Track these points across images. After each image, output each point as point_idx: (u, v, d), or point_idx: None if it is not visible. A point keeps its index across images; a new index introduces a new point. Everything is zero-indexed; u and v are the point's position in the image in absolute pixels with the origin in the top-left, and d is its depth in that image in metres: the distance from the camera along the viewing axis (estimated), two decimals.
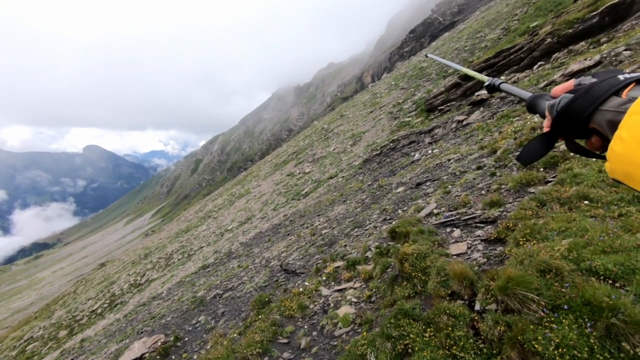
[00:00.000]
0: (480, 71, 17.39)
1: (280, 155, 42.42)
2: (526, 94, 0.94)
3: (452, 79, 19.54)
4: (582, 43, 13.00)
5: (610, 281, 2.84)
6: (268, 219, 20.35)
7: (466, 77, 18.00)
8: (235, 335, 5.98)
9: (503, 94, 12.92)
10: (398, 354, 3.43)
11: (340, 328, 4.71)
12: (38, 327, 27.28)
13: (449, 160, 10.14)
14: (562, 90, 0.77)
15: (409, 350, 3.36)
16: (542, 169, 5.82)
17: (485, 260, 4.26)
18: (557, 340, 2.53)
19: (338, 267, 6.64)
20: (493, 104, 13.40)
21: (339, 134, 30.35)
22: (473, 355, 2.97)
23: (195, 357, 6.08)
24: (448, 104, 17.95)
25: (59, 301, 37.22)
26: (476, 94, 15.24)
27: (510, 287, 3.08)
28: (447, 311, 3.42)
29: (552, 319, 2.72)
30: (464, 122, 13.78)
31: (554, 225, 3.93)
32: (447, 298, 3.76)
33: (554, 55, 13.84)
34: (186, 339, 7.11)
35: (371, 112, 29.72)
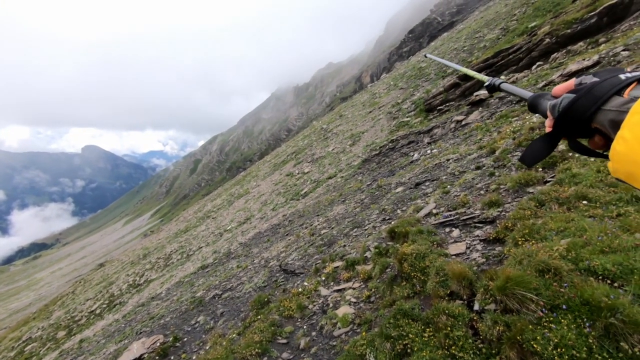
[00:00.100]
0: (479, 71, 17.37)
1: (279, 155, 42.41)
2: (527, 94, 0.94)
3: (450, 79, 19.56)
4: (581, 43, 13.03)
5: (608, 281, 2.84)
6: (267, 219, 20.34)
7: (465, 77, 18.01)
8: (234, 335, 5.97)
9: (502, 94, 12.94)
10: (397, 354, 3.43)
11: (339, 328, 4.71)
12: (36, 328, 27.21)
13: (448, 160, 10.15)
14: (563, 90, 0.77)
15: (408, 350, 3.36)
16: (540, 169, 5.83)
17: (484, 260, 4.26)
18: (555, 340, 2.53)
19: (337, 267, 6.64)
20: (492, 104, 13.42)
21: (338, 134, 30.36)
22: (472, 355, 2.98)
23: (194, 357, 6.07)
24: (447, 104, 17.97)
25: (58, 302, 37.12)
26: (475, 94, 15.25)
27: (509, 287, 3.08)
28: (446, 311, 3.42)
29: (551, 318, 2.72)
30: (463, 122, 13.79)
31: (553, 225, 3.94)
32: (446, 298, 3.77)
33: (553, 56, 13.87)
34: (185, 339, 7.10)
35: (370, 112, 29.74)
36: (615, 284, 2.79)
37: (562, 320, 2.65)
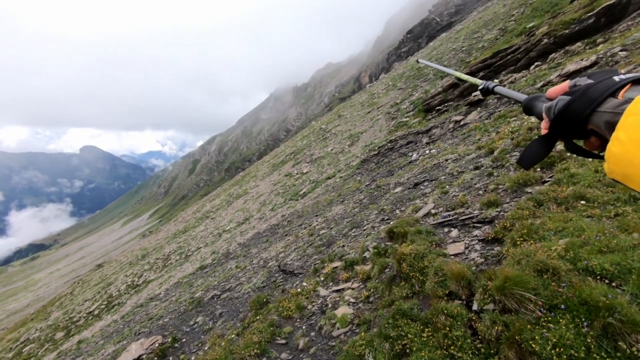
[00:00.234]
0: (478, 71, 17.46)
1: (278, 155, 42.40)
2: (521, 96, 0.94)
3: (449, 79, 19.59)
4: (579, 43, 13.07)
5: (606, 281, 2.85)
6: (266, 219, 20.33)
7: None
8: (233, 336, 5.96)
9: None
10: (396, 354, 3.43)
11: (338, 328, 4.71)
12: (34, 329, 27.11)
13: (447, 160, 10.16)
14: (557, 92, 0.77)
15: (407, 351, 3.36)
16: (539, 169, 5.84)
17: (482, 260, 4.27)
18: (554, 340, 2.53)
19: (336, 267, 6.64)
20: (490, 104, 13.45)
21: (336, 134, 30.37)
22: (471, 355, 2.98)
23: (193, 358, 6.06)
24: (445, 104, 17.99)
25: (56, 302, 37.00)
26: (473, 94, 15.29)
27: (508, 287, 3.09)
28: (445, 311, 3.43)
29: (549, 318, 2.73)
30: (462, 123, 13.82)
31: (551, 225, 3.94)
32: (445, 298, 3.77)
33: (551, 56, 13.91)
34: (184, 340, 7.08)
35: (369, 112, 29.76)
36: (613, 284, 2.80)
37: (561, 320, 2.66)
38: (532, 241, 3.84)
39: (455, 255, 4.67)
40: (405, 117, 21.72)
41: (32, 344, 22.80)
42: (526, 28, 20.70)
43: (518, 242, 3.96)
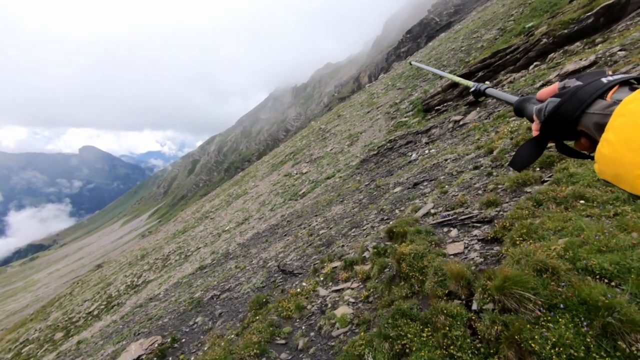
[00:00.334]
0: (477, 71, 17.47)
1: (278, 155, 42.39)
2: (512, 98, 0.95)
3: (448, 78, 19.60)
4: (578, 43, 13.08)
5: (606, 280, 2.85)
6: (265, 219, 20.32)
7: (462, 78, 18.06)
8: (232, 336, 5.95)
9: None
10: (396, 354, 3.43)
11: (337, 328, 4.71)
12: (34, 329, 27.07)
13: (446, 160, 10.16)
14: (547, 94, 0.78)
15: (407, 350, 3.36)
16: (538, 169, 5.84)
17: (482, 259, 4.27)
18: (553, 340, 2.53)
19: (335, 267, 6.64)
20: (489, 104, 13.45)
21: (336, 134, 30.37)
22: (470, 355, 2.98)
23: (192, 358, 6.05)
24: (445, 104, 18.00)
25: (55, 303, 36.94)
26: None
27: (507, 286, 3.09)
28: (445, 311, 3.43)
29: (549, 318, 2.73)
30: (461, 122, 13.82)
31: (550, 225, 3.95)
32: (445, 298, 3.77)
33: (550, 56, 13.92)
34: (183, 340, 7.08)
35: (368, 112, 29.76)
36: (613, 283, 2.80)
37: (560, 320, 2.66)
38: (531, 241, 3.84)
39: (455, 255, 4.67)
40: (405, 117, 21.72)
41: (32, 344, 22.76)
42: (525, 28, 20.72)
43: (517, 242, 3.96)
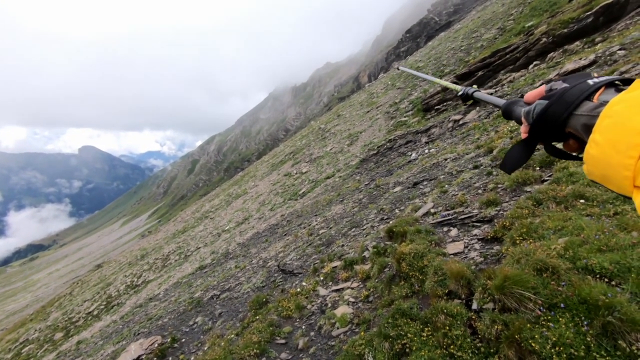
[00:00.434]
0: (476, 70, 17.48)
1: (277, 155, 42.38)
2: (500, 101, 0.96)
3: (448, 78, 19.60)
4: (577, 43, 13.08)
5: (606, 279, 2.85)
6: (265, 219, 20.31)
7: (463, 77, 18.07)
8: (232, 336, 5.95)
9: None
10: (396, 354, 3.42)
11: (337, 328, 4.71)
12: (34, 330, 27.06)
13: (446, 159, 10.16)
14: (535, 96, 0.79)
15: (407, 350, 3.36)
16: (538, 168, 5.84)
17: (482, 259, 4.26)
18: (553, 339, 2.53)
19: (335, 267, 6.63)
20: (489, 104, 13.44)
21: (336, 134, 30.36)
22: (470, 354, 2.98)
23: (192, 358, 6.05)
24: (444, 104, 18.00)
25: (55, 303, 36.93)
26: None
27: (507, 286, 3.08)
28: (445, 310, 3.42)
29: (549, 317, 2.73)
30: (461, 122, 13.82)
31: (550, 224, 3.94)
32: (445, 297, 3.76)
33: (549, 55, 13.92)
34: (183, 340, 7.07)
35: (368, 111, 29.76)
36: (613, 283, 2.80)
37: (560, 319, 2.65)
38: (531, 240, 3.84)
39: (455, 254, 4.66)
40: (405, 117, 21.72)
41: (31, 344, 22.75)
42: (525, 27, 20.72)
43: (517, 241, 3.95)
